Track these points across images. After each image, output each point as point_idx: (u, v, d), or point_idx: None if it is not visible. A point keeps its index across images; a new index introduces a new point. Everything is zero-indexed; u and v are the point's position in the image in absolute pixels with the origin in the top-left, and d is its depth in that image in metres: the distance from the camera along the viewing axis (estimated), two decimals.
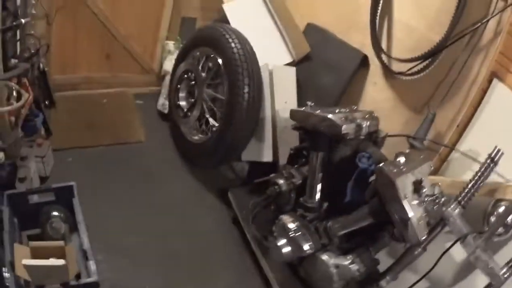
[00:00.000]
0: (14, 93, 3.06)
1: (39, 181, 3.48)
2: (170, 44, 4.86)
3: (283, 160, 3.31)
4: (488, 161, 2.16)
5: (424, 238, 2.07)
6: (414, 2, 3.03)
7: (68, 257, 2.64)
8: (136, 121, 4.62)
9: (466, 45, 2.64)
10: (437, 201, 2.11)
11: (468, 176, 2.24)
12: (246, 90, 3.24)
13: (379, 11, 3.18)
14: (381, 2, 3.16)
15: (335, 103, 3.49)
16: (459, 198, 2.20)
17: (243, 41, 3.41)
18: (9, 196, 2.88)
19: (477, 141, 2.60)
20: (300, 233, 2.51)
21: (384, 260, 2.59)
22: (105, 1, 4.47)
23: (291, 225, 2.55)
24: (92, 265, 2.62)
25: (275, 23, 3.87)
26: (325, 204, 2.62)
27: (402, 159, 2.12)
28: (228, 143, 3.40)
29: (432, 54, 2.75)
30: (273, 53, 3.73)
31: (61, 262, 2.47)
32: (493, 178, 2.28)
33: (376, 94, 3.39)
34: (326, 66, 3.66)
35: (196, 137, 3.81)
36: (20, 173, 3.20)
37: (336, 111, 2.59)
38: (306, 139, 2.84)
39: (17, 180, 3.18)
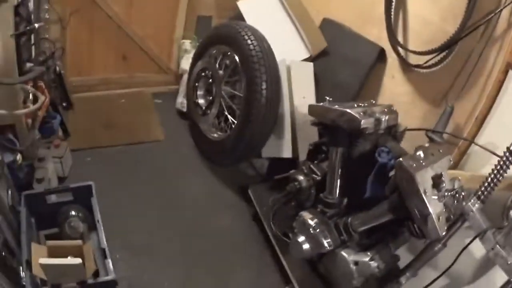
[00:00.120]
0: (31, 96, 3.10)
1: (58, 181, 3.51)
2: (187, 43, 4.87)
3: (302, 156, 3.30)
4: (507, 154, 2.11)
5: (444, 234, 2.04)
6: None
7: (85, 256, 2.66)
8: (155, 121, 4.63)
9: (480, 37, 2.61)
10: (457, 195, 2.08)
11: (488, 169, 2.19)
12: (264, 86, 3.23)
13: (393, 3, 3.16)
14: None
15: (353, 97, 3.48)
16: (479, 193, 2.16)
17: (260, 38, 3.39)
18: (26, 197, 2.90)
19: (495, 134, 2.56)
20: (319, 229, 2.49)
21: (404, 256, 2.58)
22: (119, 3, 4.51)
23: (311, 222, 2.53)
24: (109, 263, 2.62)
25: (291, 19, 3.87)
26: (345, 200, 2.59)
27: (421, 153, 2.09)
28: (247, 140, 3.38)
29: (448, 46, 2.73)
30: (290, 49, 3.72)
31: (77, 261, 2.48)
32: None
33: (394, 88, 3.36)
34: (343, 60, 3.65)
35: (215, 135, 3.80)
36: (37, 174, 3.24)
37: (355, 105, 2.57)
38: (325, 135, 2.83)
39: (35, 181, 3.21)
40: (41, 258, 2.46)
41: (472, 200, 2.16)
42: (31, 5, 3.21)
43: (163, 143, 4.35)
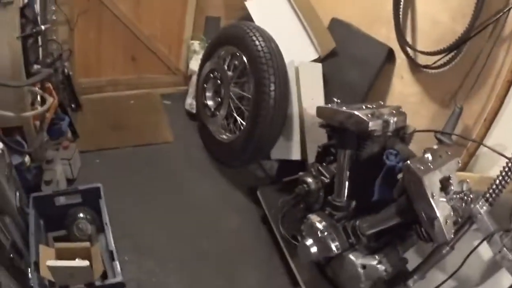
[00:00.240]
0: (38, 98, 3.12)
1: (66, 183, 3.52)
2: (195, 44, 4.86)
3: (311, 157, 3.28)
4: None
5: (451, 237, 2.02)
6: None
7: (93, 258, 2.66)
8: (164, 122, 4.64)
9: (489, 36, 2.58)
10: (465, 198, 2.07)
11: (497, 171, 2.16)
12: (272, 88, 3.22)
13: (402, 3, 3.14)
14: None
15: (362, 98, 3.46)
16: (487, 195, 2.14)
17: (268, 39, 3.38)
18: (34, 199, 2.90)
19: (504, 135, 2.54)
20: (327, 232, 2.48)
21: (412, 258, 2.56)
22: (127, 4, 4.51)
23: (319, 225, 2.52)
24: (117, 265, 2.62)
25: (299, 19, 3.84)
26: (353, 203, 2.58)
27: (429, 156, 2.08)
28: (256, 142, 3.37)
29: (457, 46, 2.71)
30: (298, 50, 3.70)
31: (85, 263, 2.47)
32: None
33: (403, 88, 3.34)
34: (352, 61, 3.63)
35: (224, 136, 3.80)
36: (46, 176, 3.25)
37: (363, 107, 2.55)
38: (333, 137, 2.80)
39: (43, 183, 3.23)
40: (49, 260, 2.47)
41: (480, 203, 2.14)
42: (37, 7, 3.21)
43: (172, 145, 4.35)
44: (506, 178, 2.09)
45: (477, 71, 2.66)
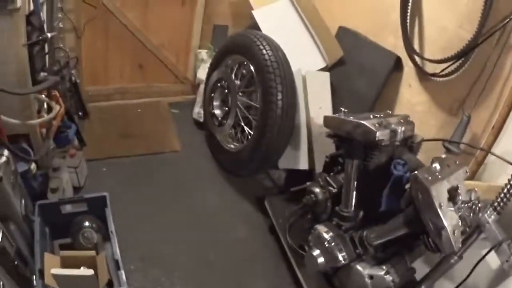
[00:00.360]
0: (45, 106, 3.13)
1: (73, 191, 3.52)
2: (203, 53, 4.87)
3: (319, 167, 3.28)
4: None
5: (459, 247, 1.99)
6: (443, 0, 2.98)
7: (98, 267, 2.67)
8: (171, 131, 4.64)
9: (496, 43, 2.57)
10: (473, 207, 2.06)
11: (505, 179, 2.16)
12: (279, 97, 3.21)
13: (409, 11, 3.14)
14: (410, 1, 3.12)
15: (370, 107, 3.46)
16: (495, 204, 2.14)
17: (275, 48, 3.37)
18: (40, 206, 2.91)
19: None
20: (334, 243, 2.46)
21: (420, 267, 2.53)
22: (134, 12, 4.54)
23: (326, 235, 2.49)
24: (122, 275, 2.61)
25: (307, 28, 3.84)
26: (361, 213, 2.56)
27: (437, 166, 2.05)
28: (263, 151, 3.35)
29: (464, 53, 2.69)
30: (306, 59, 3.69)
31: (89, 272, 2.49)
32: None
33: (411, 97, 3.32)
34: (360, 69, 3.62)
35: (231, 145, 3.79)
36: (52, 184, 3.25)
37: (371, 116, 2.53)
38: (341, 147, 2.79)
39: (49, 191, 3.23)
40: (53, 269, 2.48)
41: (488, 212, 2.14)
42: (43, 14, 3.26)
43: (180, 154, 4.34)
44: None
45: (484, 79, 2.64)
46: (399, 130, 2.45)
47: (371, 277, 2.37)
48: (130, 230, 3.24)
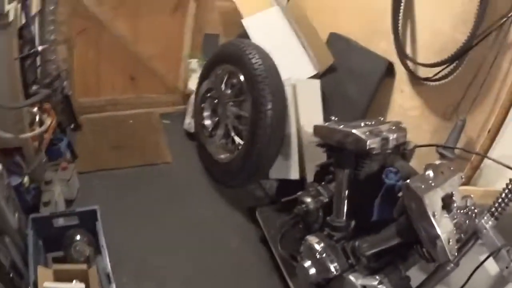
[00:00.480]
0: (37, 119, 3.11)
1: (65, 204, 3.48)
2: (194, 62, 4.84)
3: (310, 176, 3.22)
4: None
5: (454, 257, 1.94)
6: (435, 2, 2.95)
7: (90, 280, 2.64)
8: (163, 142, 4.59)
9: (493, 43, 2.53)
10: (469, 213, 2.01)
11: (502, 184, 2.10)
12: (269, 106, 3.16)
13: (400, 15, 3.11)
14: (402, 5, 3.09)
15: (362, 114, 3.42)
16: (492, 209, 2.08)
17: (264, 56, 3.33)
18: (33, 220, 2.88)
19: (510, 146, 2.49)
20: (326, 254, 2.40)
21: (416, 275, 2.46)
22: (125, 24, 4.49)
23: (317, 246, 2.44)
24: None
25: (297, 35, 3.82)
26: (353, 223, 2.51)
27: (430, 173, 2.00)
28: (254, 162, 3.32)
29: (459, 56, 2.66)
30: (296, 67, 3.67)
31: (81, 285, 2.48)
32: None
33: (403, 102, 3.29)
34: (351, 76, 3.59)
35: (222, 156, 3.75)
36: (44, 197, 3.21)
37: (362, 124, 2.48)
38: (331, 156, 2.73)
39: (42, 205, 3.18)
40: (46, 282, 2.46)
41: (485, 217, 2.09)
42: (34, 27, 3.23)
43: (171, 165, 4.30)
44: None
45: (480, 81, 2.61)
46: (391, 138, 2.39)
47: (364, 287, 2.30)
48: (123, 242, 3.22)
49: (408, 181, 1.94)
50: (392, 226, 2.17)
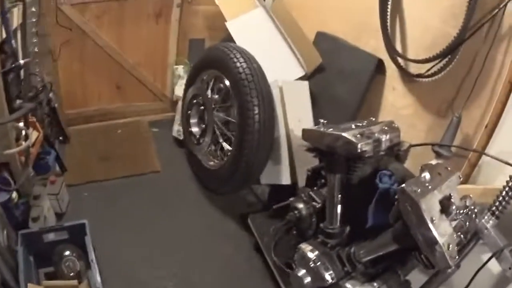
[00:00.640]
0: (23, 133, 3.06)
1: (55, 218, 3.45)
2: (180, 69, 4.79)
3: (302, 181, 3.14)
4: None
5: (454, 263, 1.84)
6: None
7: None
8: (152, 150, 4.55)
9: (485, 36, 2.46)
10: (469, 214, 1.94)
11: (502, 180, 2.04)
12: (256, 111, 3.10)
13: (389, 10, 3.04)
14: (389, 0, 3.02)
15: (353, 114, 3.36)
16: (493, 208, 2.02)
17: (249, 59, 3.26)
18: (23, 236, 2.87)
19: (508, 141, 2.42)
20: (320, 262, 2.32)
21: (416, 277, 2.37)
22: (109, 32, 4.46)
23: (311, 254, 2.36)
24: None
25: (283, 36, 3.76)
26: (347, 229, 2.42)
27: (427, 175, 1.91)
28: (243, 168, 3.25)
29: (451, 50, 2.58)
30: (283, 69, 3.61)
31: None
32: None
33: (396, 100, 3.23)
34: (340, 75, 3.52)
35: (211, 163, 3.71)
36: (33, 213, 3.16)
37: (352, 126, 2.39)
38: (322, 160, 2.66)
39: (30, 220, 3.14)
40: None
41: (486, 217, 2.02)
42: (16, 41, 3.16)
43: (161, 174, 4.26)
44: None
45: (474, 75, 2.53)
46: (384, 139, 2.32)
47: None
48: (114, 255, 3.20)
49: (403, 185, 1.84)
50: (387, 232, 2.08)
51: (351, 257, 2.27)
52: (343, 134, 2.24)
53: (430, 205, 1.79)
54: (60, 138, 4.39)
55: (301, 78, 3.63)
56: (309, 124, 3.33)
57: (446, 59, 2.67)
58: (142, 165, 4.33)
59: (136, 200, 3.89)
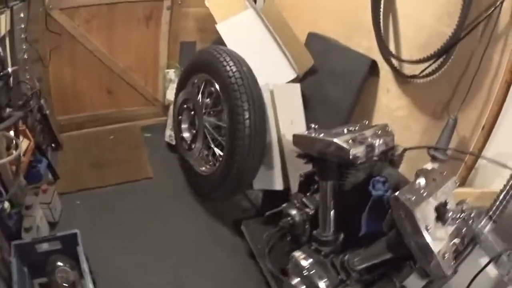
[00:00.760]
0: (14, 142, 3.03)
1: (48, 227, 3.42)
2: (171, 72, 4.77)
3: (295, 186, 3.11)
4: None
5: (451, 272, 1.80)
6: None
7: None
8: (144, 156, 4.53)
9: (481, 35, 2.40)
10: (466, 219, 1.87)
11: (499, 183, 2.00)
12: (246, 116, 3.04)
13: (381, 9, 2.99)
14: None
15: (347, 116, 3.30)
16: (490, 213, 1.97)
17: (239, 63, 3.20)
18: (16, 247, 2.83)
19: (506, 143, 2.36)
20: (314, 270, 2.29)
21: (413, 281, 2.32)
22: (99, 37, 4.42)
23: (304, 263, 2.34)
24: None
25: (274, 37, 3.72)
26: (341, 236, 2.39)
27: (421, 181, 1.86)
28: (235, 174, 3.20)
29: (446, 50, 2.53)
30: (274, 71, 3.57)
31: None
32: None
33: (390, 102, 3.17)
34: (333, 77, 3.46)
35: (203, 168, 3.66)
36: (25, 223, 3.13)
37: (345, 131, 2.34)
38: (314, 167, 2.60)
39: (23, 230, 3.11)
40: None
41: (483, 222, 1.97)
42: (4, 48, 3.18)
43: (153, 180, 4.23)
44: (511, 192, 1.93)
45: (470, 76, 2.47)
46: (377, 144, 2.28)
47: None
48: (107, 263, 3.17)
49: (396, 193, 1.79)
50: (381, 241, 2.03)
51: (345, 265, 2.24)
52: (335, 140, 2.19)
53: (425, 213, 1.74)
54: (53, 145, 4.36)
55: (293, 81, 3.58)
56: (301, 128, 3.28)
57: (441, 59, 2.62)
58: (135, 172, 4.30)
59: (129, 207, 3.85)
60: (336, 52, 3.48)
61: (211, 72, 3.35)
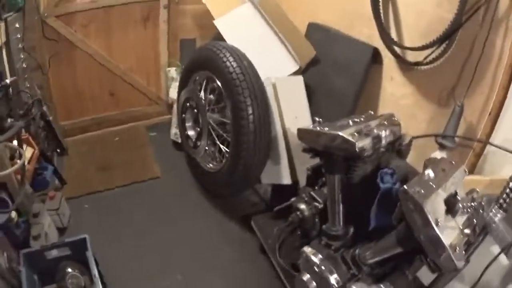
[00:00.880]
0: (18, 151, 3.04)
1: (57, 233, 3.42)
2: (172, 71, 4.75)
3: (303, 179, 3.07)
4: None
5: (462, 265, 1.74)
6: None
7: None
8: (151, 156, 4.52)
9: (483, 19, 2.36)
10: (476, 208, 1.83)
11: (508, 170, 2.00)
12: (250, 111, 3.02)
13: None
14: None
15: (351, 106, 3.26)
16: (500, 201, 1.92)
17: (239, 58, 3.17)
18: (25, 255, 2.82)
19: None
20: (324, 266, 2.25)
21: (425, 270, 2.29)
22: (97, 40, 4.42)
23: (314, 258, 2.30)
24: None
25: (273, 30, 3.67)
26: (351, 230, 2.36)
27: (430, 172, 1.81)
28: (241, 170, 3.19)
29: (448, 36, 2.49)
30: (276, 64, 3.53)
31: None
32: None
33: (394, 90, 3.13)
34: (336, 67, 3.42)
35: (210, 165, 3.66)
36: (33, 231, 3.13)
37: (350, 123, 2.31)
38: (320, 160, 2.55)
39: (31, 238, 3.10)
40: None
41: (493, 210, 1.93)
42: (2, 59, 3.19)
43: (161, 180, 4.22)
44: None
45: (474, 61, 2.42)
46: (383, 135, 2.24)
47: None
48: (118, 266, 3.17)
49: (405, 186, 1.74)
50: (391, 235, 2.00)
51: (356, 259, 2.21)
52: (340, 133, 2.15)
53: (435, 206, 1.70)
54: (58, 150, 4.35)
55: (295, 73, 3.55)
56: (306, 120, 3.26)
57: (444, 45, 2.59)
58: (142, 172, 4.29)
59: (137, 208, 3.84)
60: (338, 41, 3.43)
61: (211, 68, 3.32)
